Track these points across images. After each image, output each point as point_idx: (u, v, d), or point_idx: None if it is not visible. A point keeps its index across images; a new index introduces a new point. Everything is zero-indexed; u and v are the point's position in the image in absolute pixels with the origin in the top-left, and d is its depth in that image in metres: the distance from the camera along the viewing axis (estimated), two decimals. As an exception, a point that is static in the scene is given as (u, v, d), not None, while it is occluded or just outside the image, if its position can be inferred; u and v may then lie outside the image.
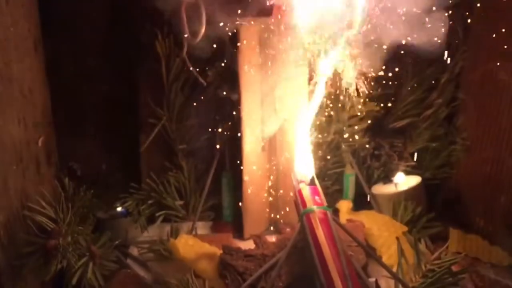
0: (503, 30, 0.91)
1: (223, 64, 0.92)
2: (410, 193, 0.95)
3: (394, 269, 0.79)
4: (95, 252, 0.81)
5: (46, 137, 0.91)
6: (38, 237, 0.78)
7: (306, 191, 0.76)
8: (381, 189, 0.98)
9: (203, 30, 0.85)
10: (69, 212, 0.81)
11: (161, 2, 0.86)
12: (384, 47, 0.94)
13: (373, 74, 0.95)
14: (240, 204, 0.93)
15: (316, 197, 0.75)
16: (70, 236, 0.79)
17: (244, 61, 0.88)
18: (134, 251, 0.89)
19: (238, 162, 0.92)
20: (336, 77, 0.95)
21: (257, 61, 0.89)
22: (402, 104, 1.00)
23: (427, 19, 0.96)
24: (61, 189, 0.88)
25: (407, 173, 0.99)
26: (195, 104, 0.95)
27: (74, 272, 0.79)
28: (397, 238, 0.82)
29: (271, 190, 0.94)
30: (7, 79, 0.77)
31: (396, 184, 0.97)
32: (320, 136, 0.95)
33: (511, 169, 0.92)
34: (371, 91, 0.97)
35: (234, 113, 0.92)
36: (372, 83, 0.97)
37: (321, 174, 0.96)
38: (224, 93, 0.93)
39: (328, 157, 0.98)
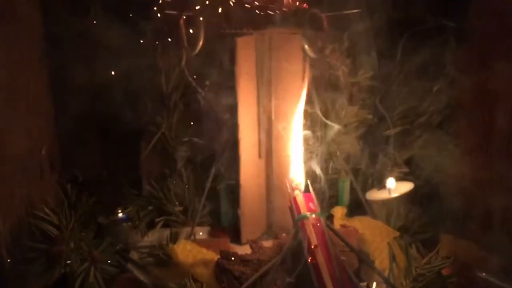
0: (496, 39, 0.93)
1: (220, 74, 0.94)
2: (403, 199, 0.97)
3: (386, 273, 0.81)
4: (97, 257, 0.83)
5: (49, 145, 0.93)
6: (42, 243, 0.81)
7: (300, 198, 0.79)
8: (375, 195, 1.00)
9: (201, 42, 0.87)
10: (72, 219, 0.84)
11: (161, 15, 0.89)
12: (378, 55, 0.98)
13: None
14: (237, 210, 0.96)
15: (310, 204, 0.78)
16: (73, 242, 0.82)
17: (241, 71, 0.90)
18: (134, 255, 0.91)
19: (236, 169, 0.95)
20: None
21: (254, 71, 0.91)
22: (396, 111, 1.03)
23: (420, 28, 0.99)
24: (64, 195, 0.91)
25: (401, 179, 1.01)
26: (193, 113, 0.98)
27: (77, 276, 0.81)
28: (389, 244, 0.85)
29: (267, 197, 0.96)
30: (13, 91, 0.79)
31: (389, 190, 0.99)
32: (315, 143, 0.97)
33: (503, 175, 0.94)
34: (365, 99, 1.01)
35: (232, 121, 0.95)
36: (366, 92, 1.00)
37: (316, 180, 0.98)
38: (222, 102, 0.95)
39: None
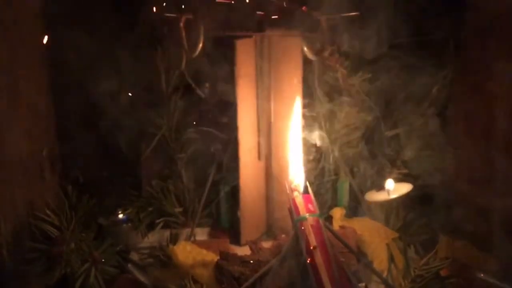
0: (492, 42, 0.94)
1: (220, 76, 0.95)
2: (402, 200, 0.98)
3: (385, 274, 0.82)
4: (97, 258, 0.84)
5: (49, 146, 0.94)
6: (43, 244, 0.81)
7: (299, 199, 0.79)
8: (374, 196, 1.00)
9: (201, 44, 0.88)
10: (73, 220, 0.84)
11: (161, 17, 0.89)
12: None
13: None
14: (237, 211, 0.96)
15: (309, 205, 0.78)
16: (74, 243, 0.83)
17: (240, 73, 0.91)
18: (134, 256, 0.92)
19: (236, 170, 0.95)
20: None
21: (253, 73, 0.92)
22: (395, 113, 1.04)
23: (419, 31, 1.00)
24: (64, 196, 0.91)
25: (400, 180, 1.02)
26: (193, 114, 0.99)
27: (77, 277, 0.82)
28: (387, 244, 0.85)
29: (267, 198, 0.97)
30: (15, 95, 0.80)
31: (388, 191, 0.99)
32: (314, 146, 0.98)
33: (501, 176, 0.95)
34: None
35: (231, 122, 0.95)
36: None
37: (316, 181, 0.99)
38: (221, 104, 0.96)
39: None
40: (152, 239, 0.95)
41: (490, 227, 0.93)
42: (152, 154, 0.99)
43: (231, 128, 0.94)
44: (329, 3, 0.87)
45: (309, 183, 0.81)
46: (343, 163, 1.00)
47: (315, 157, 0.99)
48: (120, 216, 0.95)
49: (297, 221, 0.76)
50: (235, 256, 0.84)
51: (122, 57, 0.95)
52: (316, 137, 0.98)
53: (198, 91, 0.95)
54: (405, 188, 0.99)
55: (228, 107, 0.94)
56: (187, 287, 0.80)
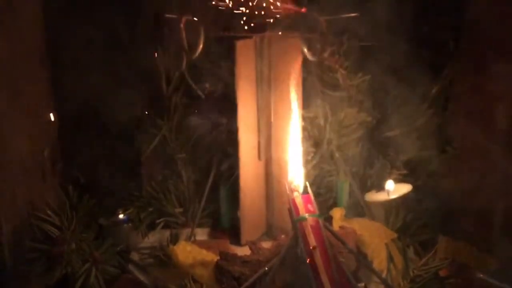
0: (491, 42, 0.94)
1: (220, 77, 0.95)
2: (401, 201, 0.98)
3: (384, 275, 0.82)
4: (98, 258, 0.84)
5: (50, 147, 0.94)
6: (43, 244, 0.82)
7: (299, 199, 0.79)
8: (374, 196, 1.01)
9: (201, 45, 0.88)
10: (73, 220, 0.85)
11: (162, 19, 0.90)
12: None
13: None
14: (237, 211, 0.96)
15: (309, 205, 0.78)
16: (74, 243, 0.83)
17: (240, 74, 0.91)
18: (135, 256, 0.92)
19: (236, 170, 0.95)
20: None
21: (253, 74, 0.92)
22: (394, 113, 1.04)
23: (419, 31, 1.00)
24: (65, 197, 0.91)
25: (399, 181, 1.02)
26: (193, 114, 0.99)
27: (78, 277, 0.82)
28: (386, 245, 0.85)
29: (267, 198, 0.97)
30: (15, 95, 0.80)
31: (388, 192, 0.99)
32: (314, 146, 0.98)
33: (500, 177, 0.95)
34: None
35: (231, 123, 0.95)
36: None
37: (316, 182, 0.99)
38: (221, 104, 0.96)
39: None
40: (152, 239, 0.96)
41: (490, 227, 0.93)
42: (152, 154, 0.99)
43: (231, 128, 0.94)
44: (329, 4, 0.87)
45: (309, 183, 0.81)
46: (343, 163, 1.00)
47: (315, 157, 0.99)
48: (121, 216, 0.95)
49: (297, 221, 0.76)
50: (235, 256, 0.84)
51: (122, 57, 0.96)
52: (316, 137, 0.98)
53: (198, 91, 0.95)
54: (405, 188, 1.00)
55: (228, 107, 0.94)
56: (187, 287, 0.80)
